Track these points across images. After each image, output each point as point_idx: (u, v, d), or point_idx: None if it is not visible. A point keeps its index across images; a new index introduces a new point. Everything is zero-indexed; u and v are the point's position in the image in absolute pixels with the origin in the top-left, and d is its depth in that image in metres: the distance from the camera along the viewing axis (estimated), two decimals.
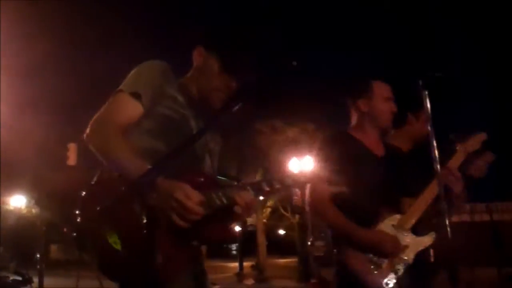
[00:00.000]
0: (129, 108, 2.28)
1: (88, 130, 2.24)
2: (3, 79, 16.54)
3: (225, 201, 2.19)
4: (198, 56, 2.50)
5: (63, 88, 21.79)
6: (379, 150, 3.49)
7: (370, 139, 3.50)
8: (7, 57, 16.74)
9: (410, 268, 3.26)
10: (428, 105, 2.99)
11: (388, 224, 3.19)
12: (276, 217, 30.51)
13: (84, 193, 2.17)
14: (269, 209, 28.52)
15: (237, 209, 2.20)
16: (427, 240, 3.18)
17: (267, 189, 2.30)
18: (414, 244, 3.17)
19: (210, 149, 2.52)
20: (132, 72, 2.37)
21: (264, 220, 28.79)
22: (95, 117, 2.26)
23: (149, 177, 1.91)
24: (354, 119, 3.57)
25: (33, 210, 26.98)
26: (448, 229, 2.97)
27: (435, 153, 3.02)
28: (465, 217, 19.10)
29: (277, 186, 2.31)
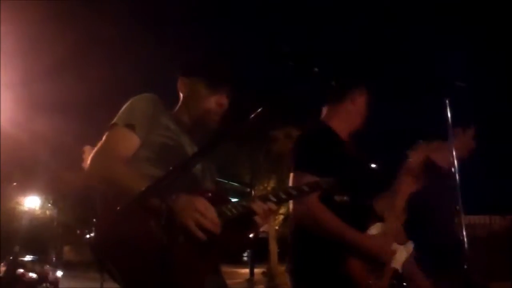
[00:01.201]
0: (126, 140, 2.32)
1: (89, 166, 2.29)
2: (19, 81, 16.69)
3: (235, 211, 2.24)
4: (182, 86, 2.58)
5: (80, 90, 21.96)
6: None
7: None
8: (24, 60, 16.93)
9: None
10: (449, 114, 2.97)
11: (373, 233, 3.02)
12: (288, 224, 30.40)
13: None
14: (281, 216, 28.47)
15: (257, 218, 2.26)
16: (409, 247, 3.09)
17: (284, 197, 2.38)
18: (400, 253, 3.10)
19: (206, 168, 2.56)
20: (125, 106, 2.41)
21: (276, 227, 28.75)
22: (93, 152, 2.31)
23: (150, 193, 1.94)
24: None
25: (47, 211, 27.17)
26: (466, 241, 2.94)
27: (455, 166, 2.99)
28: (484, 230, 18.91)
29: (294, 193, 2.38)
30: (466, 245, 2.94)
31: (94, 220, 2.20)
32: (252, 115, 1.94)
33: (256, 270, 28.12)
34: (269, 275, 27.02)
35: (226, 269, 2.22)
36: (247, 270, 29.31)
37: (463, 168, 3.18)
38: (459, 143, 3.33)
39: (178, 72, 2.62)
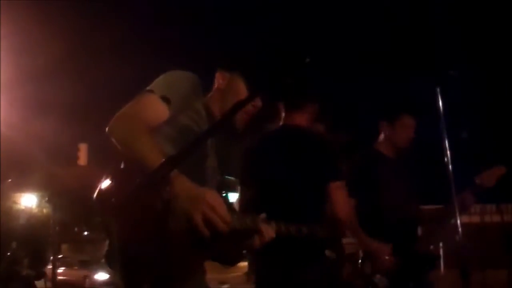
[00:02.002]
0: (158, 110, 2.23)
1: (112, 122, 2.17)
2: (14, 80, 16.65)
3: (242, 225, 2.22)
4: (221, 79, 2.52)
5: (74, 89, 21.90)
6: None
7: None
8: (20, 59, 16.88)
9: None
10: (441, 103, 2.99)
11: None
12: None
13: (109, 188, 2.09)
14: None
15: (257, 239, 2.29)
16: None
17: (283, 230, 2.42)
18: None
19: (211, 167, 2.50)
20: (164, 76, 2.35)
21: None
22: (120, 111, 2.20)
23: (163, 171, 1.83)
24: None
25: (44, 210, 27.13)
26: (459, 230, 2.98)
27: (447, 155, 3.02)
28: (475, 218, 19.00)
29: (293, 232, 2.44)
30: (460, 235, 2.99)
31: (108, 176, 2.11)
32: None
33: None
34: None
35: None
36: (245, 264, 29.37)
37: (456, 158, 3.21)
38: (484, 177, 3.53)
39: (218, 63, 2.57)
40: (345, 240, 4.04)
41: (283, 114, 3.48)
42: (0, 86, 15.75)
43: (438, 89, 2.99)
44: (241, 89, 2.46)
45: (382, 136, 3.87)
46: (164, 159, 1.87)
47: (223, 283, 20.91)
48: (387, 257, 3.50)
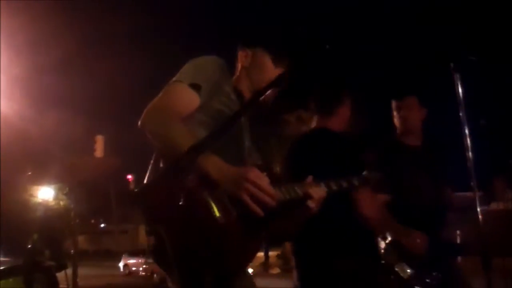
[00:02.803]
0: (188, 99, 2.23)
1: (144, 116, 2.17)
2: (28, 75, 16.74)
3: (291, 195, 2.19)
4: (244, 57, 2.51)
5: (90, 82, 22.04)
6: None
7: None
8: (33, 54, 16.98)
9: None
10: (460, 89, 2.97)
11: None
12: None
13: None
14: None
15: (310, 203, 2.22)
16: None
17: (335, 188, 2.37)
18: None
19: (252, 149, 2.50)
20: (190, 64, 2.33)
21: None
22: (151, 104, 2.20)
23: (190, 157, 1.81)
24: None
25: (61, 202, 27.33)
26: (480, 216, 2.96)
27: (467, 141, 3.01)
28: (501, 204, 18.86)
29: (345, 185, 2.40)
30: (481, 221, 2.97)
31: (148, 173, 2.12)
32: (264, 94, 1.93)
33: (270, 253, 28.19)
34: (284, 258, 27.08)
35: None
36: (261, 254, 29.43)
37: (476, 144, 3.19)
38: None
39: (239, 42, 2.54)
40: None
41: (316, 117, 3.54)
42: (15, 80, 15.88)
43: (458, 76, 2.96)
44: (267, 63, 2.45)
45: (396, 122, 3.89)
46: (189, 147, 1.83)
47: None
48: (418, 240, 3.46)
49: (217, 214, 1.94)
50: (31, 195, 27.56)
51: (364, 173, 2.64)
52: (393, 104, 3.90)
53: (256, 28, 2.63)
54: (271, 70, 2.43)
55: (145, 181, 2.15)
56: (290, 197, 2.18)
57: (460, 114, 3.01)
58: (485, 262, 2.95)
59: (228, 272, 1.99)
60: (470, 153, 3.01)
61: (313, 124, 3.55)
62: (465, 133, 3.03)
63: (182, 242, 1.91)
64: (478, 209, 3.01)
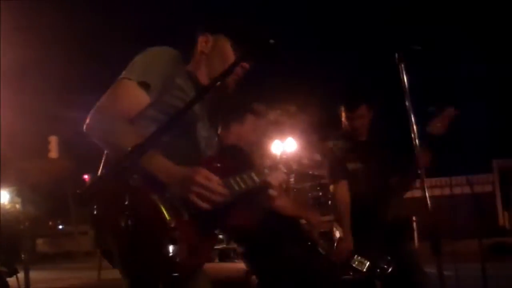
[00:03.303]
0: (137, 98, 2.17)
1: (89, 119, 2.12)
2: None
3: (248, 184, 2.16)
4: (205, 43, 2.45)
5: (43, 81, 21.60)
6: None
7: None
8: None
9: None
10: (405, 79, 3.02)
11: None
12: None
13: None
14: None
15: (271, 191, 2.21)
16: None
17: (285, 170, 2.33)
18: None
19: (212, 136, 2.47)
20: (140, 58, 2.27)
21: None
22: (97, 104, 2.15)
23: (133, 157, 1.76)
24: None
25: (17, 205, 26.75)
26: (429, 202, 3.04)
27: (414, 130, 3.07)
28: (446, 191, 19.30)
29: (294, 167, 2.36)
30: (429, 206, 3.05)
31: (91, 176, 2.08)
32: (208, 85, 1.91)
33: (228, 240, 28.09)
34: None
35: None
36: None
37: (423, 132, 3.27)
38: (436, 123, 3.55)
39: (200, 27, 2.48)
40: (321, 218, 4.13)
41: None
42: None
43: (402, 65, 3.02)
44: (227, 51, 2.41)
45: (343, 123, 4.02)
46: (132, 146, 1.79)
47: None
48: (345, 249, 3.59)
49: (168, 217, 1.92)
50: None
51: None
52: (344, 113, 4.01)
53: (219, 15, 2.58)
54: (231, 58, 2.39)
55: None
56: (247, 187, 2.16)
57: (406, 103, 3.07)
58: (435, 247, 3.02)
59: (181, 275, 1.95)
60: (417, 141, 3.07)
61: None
62: (411, 121, 3.09)
63: (129, 249, 1.88)
64: (427, 195, 3.08)
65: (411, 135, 3.00)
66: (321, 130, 4.17)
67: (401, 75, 3.05)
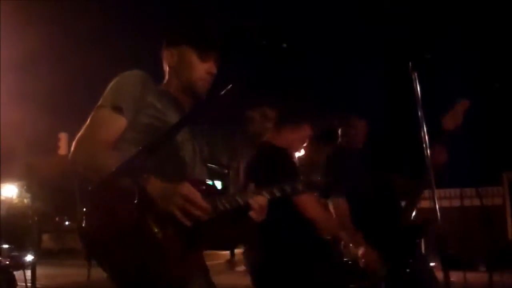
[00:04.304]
0: (113, 123, 2.22)
1: (73, 151, 2.18)
2: None
3: (232, 205, 2.20)
4: (169, 57, 2.48)
5: (54, 78, 21.69)
6: None
7: None
8: None
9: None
10: (418, 87, 3.00)
11: None
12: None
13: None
14: None
15: (252, 213, 2.23)
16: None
17: (278, 194, 2.35)
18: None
19: (201, 156, 2.49)
20: (111, 85, 2.31)
21: None
22: (78, 136, 2.20)
23: (139, 159, 1.80)
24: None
25: (25, 200, 26.92)
26: (438, 213, 3.00)
27: (425, 138, 3.04)
28: (456, 202, 19.20)
29: (288, 190, 2.38)
30: (439, 218, 3.01)
31: (82, 208, 2.11)
32: (222, 92, 1.92)
33: (236, 251, 28.18)
34: None
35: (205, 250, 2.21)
36: (226, 252, 29.41)
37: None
38: (450, 117, 3.50)
39: (163, 43, 2.50)
40: None
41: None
42: None
43: (416, 74, 3.00)
44: (193, 60, 2.43)
45: (340, 132, 4.05)
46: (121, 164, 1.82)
47: None
48: (373, 261, 3.54)
49: (155, 230, 1.98)
50: None
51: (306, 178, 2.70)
52: (341, 129, 4.05)
53: (177, 26, 2.59)
54: (198, 65, 2.42)
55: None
56: (231, 207, 2.20)
57: (419, 113, 3.05)
58: (444, 258, 3.00)
59: (174, 284, 2.02)
60: (428, 151, 3.04)
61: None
62: (423, 131, 3.06)
63: (125, 264, 1.92)
64: (437, 207, 3.05)
65: (422, 144, 2.98)
66: (319, 140, 4.18)
67: (414, 84, 3.03)
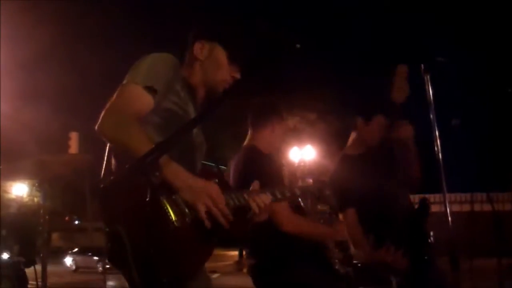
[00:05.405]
0: (143, 102, 2.21)
1: (101, 121, 2.16)
2: (3, 71, 16.51)
3: (238, 202, 2.25)
4: (200, 49, 2.46)
5: (65, 78, 21.79)
6: None
7: None
8: (8, 48, 16.73)
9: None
10: (430, 90, 2.99)
11: None
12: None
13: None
14: None
15: (256, 210, 2.29)
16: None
17: (279, 196, 2.44)
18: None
19: (198, 146, 2.51)
20: (144, 63, 2.30)
21: None
22: (106, 108, 2.18)
23: (151, 157, 1.81)
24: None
25: (35, 199, 27.02)
26: (449, 218, 2.99)
27: (437, 143, 3.03)
28: (466, 207, 19.08)
29: (288, 194, 2.49)
30: (450, 222, 3.00)
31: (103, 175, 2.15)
32: (228, 88, 1.92)
33: (244, 252, 28.13)
34: None
35: (215, 251, 2.23)
36: (236, 252, 29.41)
37: (445, 146, 3.22)
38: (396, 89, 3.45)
39: (196, 32, 2.50)
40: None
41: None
42: None
43: (428, 77, 2.98)
44: (222, 59, 2.44)
45: (354, 134, 3.95)
46: (153, 145, 1.88)
47: (213, 272, 20.96)
48: (400, 260, 3.51)
49: (173, 217, 2.01)
50: (5, 191, 27.22)
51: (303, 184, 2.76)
52: (365, 117, 3.91)
53: (216, 21, 2.59)
54: (225, 66, 2.43)
55: (101, 177, 2.18)
56: (239, 204, 2.26)
57: (431, 115, 3.03)
58: (454, 262, 2.97)
59: (183, 273, 2.06)
60: (440, 155, 3.03)
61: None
62: (435, 134, 3.05)
63: (140, 243, 1.92)
64: (448, 210, 3.03)
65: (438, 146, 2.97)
66: (339, 139, 4.12)
67: (426, 86, 3.02)
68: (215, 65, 2.44)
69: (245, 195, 2.30)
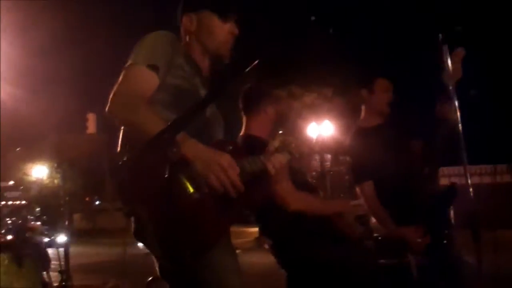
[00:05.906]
0: (148, 81, 2.24)
1: (110, 104, 2.21)
2: (21, 54, 16.60)
3: (254, 166, 2.26)
4: (189, 23, 2.47)
5: (81, 59, 21.89)
6: None
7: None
8: (24, 32, 16.82)
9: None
10: (449, 60, 2.94)
11: None
12: None
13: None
14: None
15: (271, 170, 2.29)
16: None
17: (296, 155, 2.45)
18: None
19: (213, 123, 2.51)
20: (144, 43, 2.32)
21: None
22: (114, 91, 2.22)
23: (167, 134, 1.82)
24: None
25: (55, 180, 27.35)
26: (470, 189, 2.96)
27: (457, 115, 2.99)
28: (487, 179, 18.92)
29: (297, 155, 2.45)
30: (472, 194, 2.97)
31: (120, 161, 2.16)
32: (248, 68, 1.91)
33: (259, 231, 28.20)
34: None
35: (235, 228, 2.24)
36: (256, 229, 29.56)
37: (466, 118, 3.18)
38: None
39: (180, 9, 2.51)
40: (354, 202, 4.05)
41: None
42: (6, 60, 15.75)
43: (446, 47, 2.94)
44: (214, 23, 2.44)
45: (363, 108, 3.93)
46: (163, 123, 1.91)
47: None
48: (419, 240, 3.50)
49: (191, 190, 2.03)
50: (25, 174, 27.56)
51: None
52: (366, 86, 3.90)
53: None
54: (220, 27, 2.43)
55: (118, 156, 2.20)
56: (256, 167, 2.27)
57: (450, 87, 2.99)
58: (475, 235, 2.95)
59: (205, 244, 2.08)
60: (460, 126, 3.00)
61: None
62: (454, 105, 3.01)
63: (160, 218, 1.95)
64: (469, 182, 3.01)
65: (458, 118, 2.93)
66: (357, 114, 4.09)
67: (445, 56, 2.97)
68: (208, 32, 2.44)
69: (262, 157, 2.30)
